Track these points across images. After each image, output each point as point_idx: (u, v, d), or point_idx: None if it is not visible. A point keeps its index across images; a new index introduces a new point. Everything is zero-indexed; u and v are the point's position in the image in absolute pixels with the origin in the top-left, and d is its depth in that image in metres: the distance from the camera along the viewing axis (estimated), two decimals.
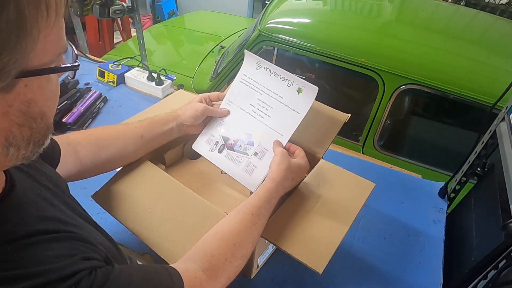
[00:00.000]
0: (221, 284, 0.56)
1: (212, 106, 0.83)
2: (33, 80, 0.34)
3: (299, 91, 0.74)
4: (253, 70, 0.80)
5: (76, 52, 0.40)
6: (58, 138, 0.65)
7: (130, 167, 0.77)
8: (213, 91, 1.26)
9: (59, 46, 0.35)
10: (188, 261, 0.56)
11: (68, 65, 0.38)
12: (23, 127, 0.35)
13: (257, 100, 0.79)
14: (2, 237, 0.36)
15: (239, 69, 0.83)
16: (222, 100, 0.84)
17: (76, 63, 0.39)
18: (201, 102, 0.81)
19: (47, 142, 0.40)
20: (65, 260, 0.38)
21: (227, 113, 0.83)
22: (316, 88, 0.72)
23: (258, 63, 0.79)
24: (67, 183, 0.59)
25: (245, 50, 0.83)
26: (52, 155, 0.62)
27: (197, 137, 0.85)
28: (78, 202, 0.55)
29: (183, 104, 0.84)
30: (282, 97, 0.76)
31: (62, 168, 0.63)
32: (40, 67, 0.33)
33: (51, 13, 0.32)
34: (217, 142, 0.82)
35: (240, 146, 0.80)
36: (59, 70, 0.37)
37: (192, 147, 0.86)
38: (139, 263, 0.88)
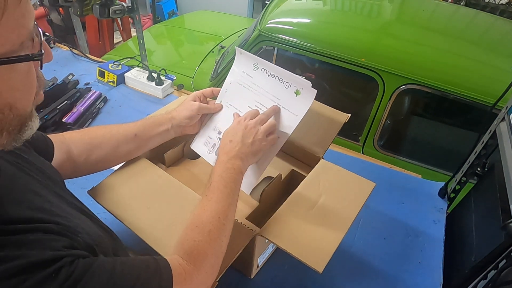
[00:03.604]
0: (205, 269, 0.55)
1: (207, 103, 0.82)
2: None
3: (297, 93, 0.73)
4: (250, 71, 0.79)
5: (42, 40, 0.37)
6: (53, 137, 0.66)
7: (128, 164, 0.78)
8: None
9: (21, 35, 0.33)
10: (171, 253, 0.56)
11: (27, 54, 0.35)
12: None
13: (255, 101, 0.78)
14: None
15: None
16: (216, 95, 0.83)
17: (40, 52, 0.36)
18: (195, 101, 0.80)
19: (28, 130, 0.39)
20: (47, 245, 0.38)
21: (221, 107, 0.82)
22: (315, 91, 0.70)
23: (256, 64, 0.78)
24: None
25: (238, 48, 0.80)
26: (46, 150, 0.63)
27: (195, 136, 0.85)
28: (74, 195, 0.55)
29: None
30: (279, 99, 0.75)
31: (56, 166, 0.63)
32: None
33: None
34: (214, 144, 0.81)
35: None
36: (17, 60, 0.33)
37: (190, 147, 0.86)
38: None
